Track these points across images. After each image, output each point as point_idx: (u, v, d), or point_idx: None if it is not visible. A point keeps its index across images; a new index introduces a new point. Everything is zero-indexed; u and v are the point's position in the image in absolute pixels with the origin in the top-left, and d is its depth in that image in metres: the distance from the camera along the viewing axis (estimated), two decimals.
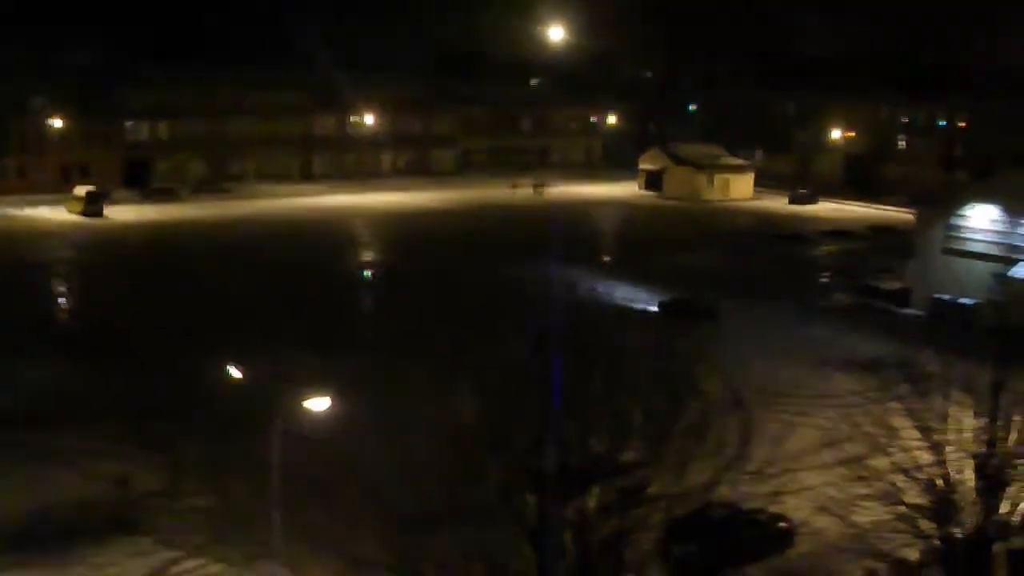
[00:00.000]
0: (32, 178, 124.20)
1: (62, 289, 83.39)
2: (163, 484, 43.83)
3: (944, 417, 33.86)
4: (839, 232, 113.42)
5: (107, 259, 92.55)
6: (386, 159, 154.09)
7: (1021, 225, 74.89)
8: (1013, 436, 32.56)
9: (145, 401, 53.15)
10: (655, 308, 73.38)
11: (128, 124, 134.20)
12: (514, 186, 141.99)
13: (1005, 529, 33.15)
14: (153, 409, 51.86)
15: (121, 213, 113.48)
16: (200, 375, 52.74)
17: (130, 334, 66.12)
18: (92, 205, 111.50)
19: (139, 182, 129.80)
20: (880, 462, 35.92)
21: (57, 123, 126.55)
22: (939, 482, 32.70)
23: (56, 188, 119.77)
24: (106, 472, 44.07)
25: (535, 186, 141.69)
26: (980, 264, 75.84)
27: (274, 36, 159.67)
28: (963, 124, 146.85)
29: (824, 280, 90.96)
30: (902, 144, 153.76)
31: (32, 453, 46.11)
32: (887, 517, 34.17)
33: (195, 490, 43.25)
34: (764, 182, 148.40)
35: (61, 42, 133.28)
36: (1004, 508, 32.68)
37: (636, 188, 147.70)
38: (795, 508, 42.46)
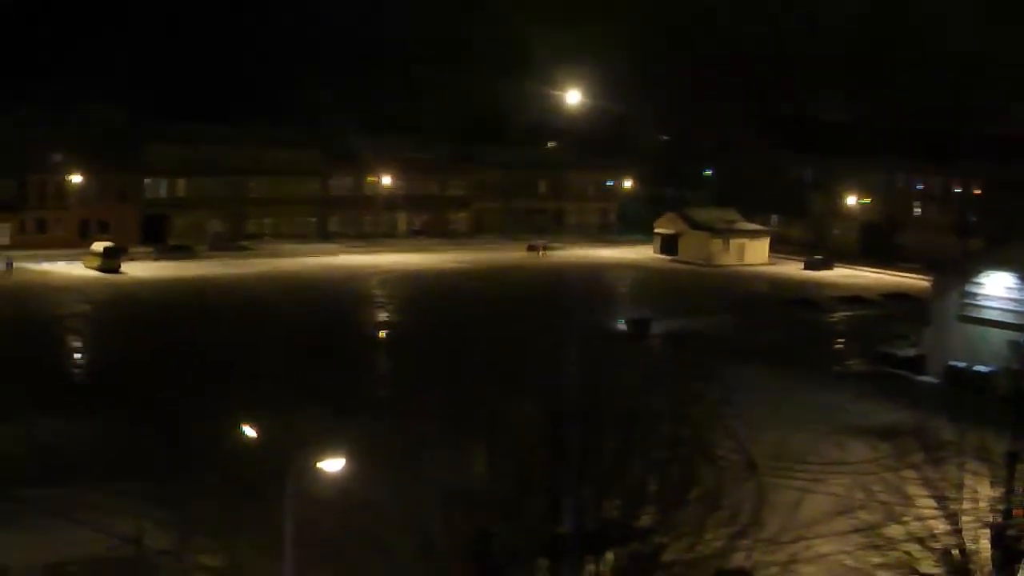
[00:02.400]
0: (51, 233, 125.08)
1: (77, 344, 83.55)
2: (174, 542, 43.67)
3: (960, 486, 33.72)
4: (854, 298, 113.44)
5: (123, 314, 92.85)
6: (402, 219, 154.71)
7: None
8: None
9: (157, 458, 53.07)
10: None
11: (147, 181, 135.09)
12: (530, 248, 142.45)
13: None
14: (166, 466, 51.77)
15: (138, 269, 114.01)
16: (214, 433, 52.65)
17: (145, 390, 66.16)
18: (109, 261, 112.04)
19: (157, 238, 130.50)
20: (895, 531, 35.75)
21: (76, 178, 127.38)
22: (955, 552, 32.52)
23: (74, 243, 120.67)
24: (119, 529, 43.96)
25: (541, 248, 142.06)
26: (996, 331, 75.56)
27: (293, 96, 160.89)
28: (978, 191, 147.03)
29: (839, 346, 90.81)
30: (917, 211, 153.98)
31: (45, 508, 46.05)
32: None
33: (206, 548, 43.09)
34: (779, 247, 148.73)
35: (81, 97, 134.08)
36: None
37: (651, 252, 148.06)
38: None
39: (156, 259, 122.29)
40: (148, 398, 64.32)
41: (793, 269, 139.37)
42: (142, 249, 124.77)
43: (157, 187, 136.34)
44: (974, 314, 77.81)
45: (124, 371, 71.76)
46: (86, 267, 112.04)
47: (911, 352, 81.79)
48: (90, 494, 48.18)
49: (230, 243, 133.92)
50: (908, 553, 33.42)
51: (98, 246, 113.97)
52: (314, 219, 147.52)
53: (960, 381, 73.95)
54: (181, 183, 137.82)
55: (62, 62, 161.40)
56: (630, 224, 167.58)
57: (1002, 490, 32.79)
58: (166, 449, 54.50)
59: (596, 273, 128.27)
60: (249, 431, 41.43)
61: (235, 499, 46.01)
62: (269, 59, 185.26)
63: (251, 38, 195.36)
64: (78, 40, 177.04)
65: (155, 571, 41.62)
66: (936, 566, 32.67)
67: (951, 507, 33.08)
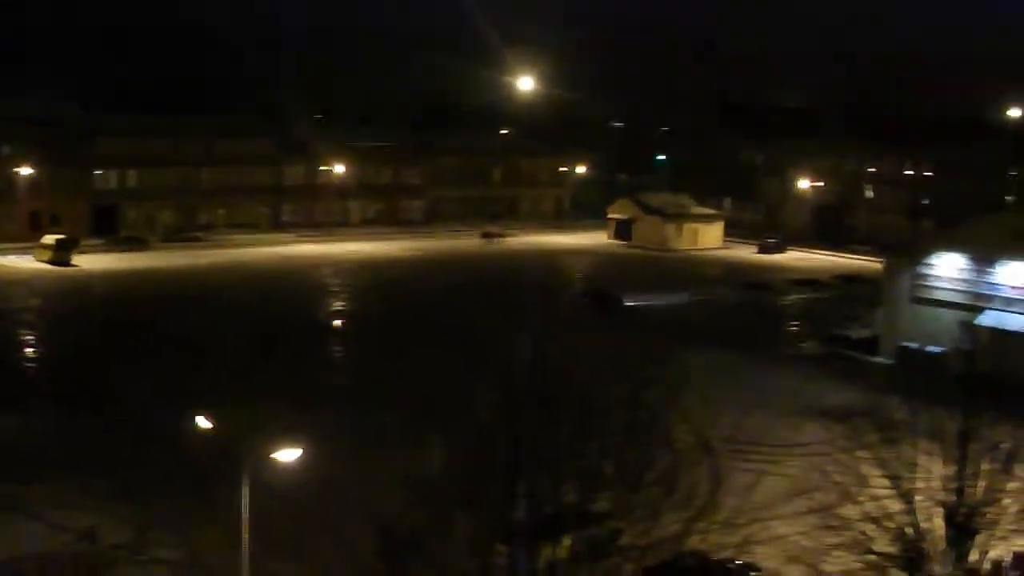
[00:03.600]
0: (0, 227, 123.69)
1: (29, 337, 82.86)
2: (130, 536, 43.44)
3: (913, 465, 33.94)
4: (807, 281, 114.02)
5: (75, 307, 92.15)
6: (355, 208, 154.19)
7: (987, 273, 75.45)
8: (982, 484, 32.66)
9: (113, 452, 52.78)
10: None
11: (97, 172, 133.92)
12: (484, 236, 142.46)
13: None
14: (121, 460, 51.50)
15: (90, 261, 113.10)
16: (170, 425, 52.39)
17: (98, 383, 65.71)
18: (61, 253, 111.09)
19: (108, 230, 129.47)
20: (850, 511, 36.00)
21: (26, 171, 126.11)
22: (909, 531, 32.73)
23: (25, 236, 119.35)
24: (73, 524, 43.67)
25: (496, 236, 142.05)
26: (947, 312, 76.24)
27: (245, 86, 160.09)
28: (929, 173, 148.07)
29: (792, 329, 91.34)
30: (869, 193, 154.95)
31: None
32: (857, 566, 34.17)
33: (162, 542, 42.91)
34: (733, 231, 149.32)
35: (30, 89, 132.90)
36: (973, 556, 32.72)
37: (605, 238, 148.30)
38: (766, 557, 42.41)
39: (108, 251, 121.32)
40: (102, 391, 63.89)
41: (747, 253, 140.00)
42: (94, 241, 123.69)
43: (108, 179, 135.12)
44: (926, 295, 78.41)
45: (77, 365, 71.25)
46: (37, 260, 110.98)
47: (864, 333, 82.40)
48: (45, 489, 47.82)
49: (182, 234, 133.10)
50: (863, 533, 33.62)
51: (49, 239, 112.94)
52: (267, 209, 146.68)
53: (912, 362, 74.51)
54: (132, 174, 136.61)
55: (9, 54, 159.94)
56: (585, 210, 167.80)
57: (954, 469, 33.01)
58: (121, 443, 54.19)
59: (551, 259, 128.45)
60: (204, 422, 41.21)
61: (191, 491, 45.88)
62: (219, 48, 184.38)
63: (200, 28, 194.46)
64: (25, 32, 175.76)
65: (111, 566, 41.38)
66: (891, 545, 32.89)
67: (905, 486, 33.30)
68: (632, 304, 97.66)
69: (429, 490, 30.23)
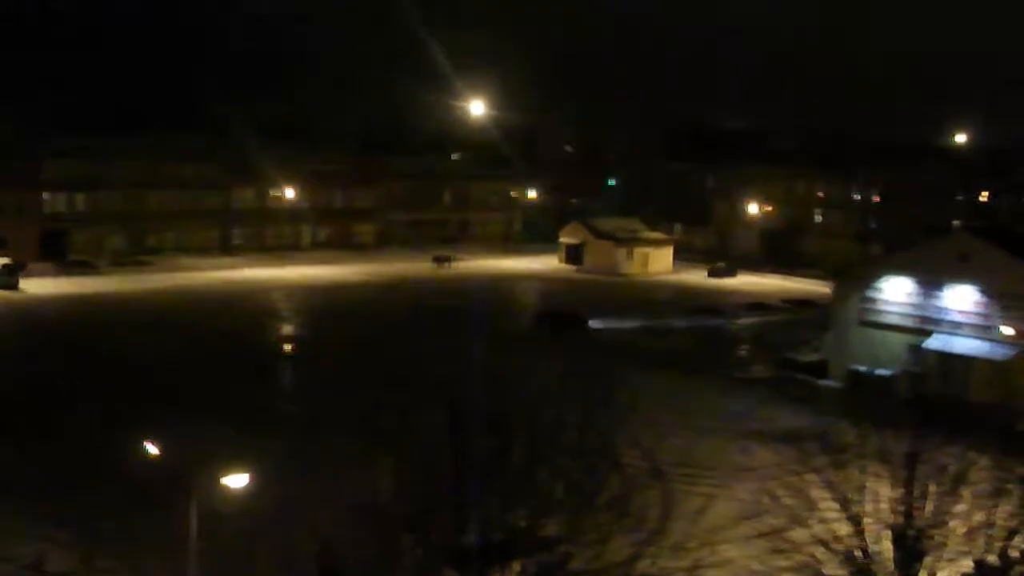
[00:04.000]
0: None
1: None
2: (76, 564, 42.90)
3: (862, 488, 34.09)
4: (757, 305, 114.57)
5: (21, 332, 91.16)
6: (306, 232, 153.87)
7: (935, 297, 76.01)
8: (929, 506, 32.83)
9: (60, 478, 52.12)
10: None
11: (45, 195, 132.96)
12: (435, 260, 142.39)
13: None
14: (68, 486, 50.89)
15: (37, 286, 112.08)
16: (116, 451, 51.86)
17: (45, 409, 64.96)
18: (7, 277, 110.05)
19: (56, 254, 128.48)
20: (799, 534, 36.03)
21: None
22: (858, 553, 32.86)
23: None
24: (19, 553, 43.09)
25: (447, 260, 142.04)
26: (896, 336, 76.87)
27: (194, 109, 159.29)
28: (877, 198, 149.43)
29: (742, 353, 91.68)
30: (819, 217, 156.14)
31: None
32: None
33: (110, 568, 42.40)
34: (683, 256, 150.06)
35: None
36: None
37: (556, 262, 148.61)
38: None
39: (56, 275, 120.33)
40: (47, 417, 63.16)
41: (697, 277, 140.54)
42: (41, 265, 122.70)
43: (55, 202, 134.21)
44: (874, 319, 78.88)
45: (22, 389, 70.39)
46: None
47: (814, 357, 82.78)
48: None
49: (131, 258, 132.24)
50: (813, 556, 33.72)
51: None
52: (217, 233, 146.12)
53: (862, 385, 74.95)
54: (80, 197, 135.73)
55: None
56: (535, 234, 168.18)
57: (902, 491, 33.18)
58: (67, 468, 53.56)
59: (502, 283, 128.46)
60: (151, 448, 40.83)
61: (138, 517, 45.39)
62: (166, 70, 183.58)
63: (147, 50, 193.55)
64: None
65: None
66: (840, 568, 33.00)
67: (854, 509, 33.44)
68: (595, 327, 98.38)
69: (378, 515, 30.07)
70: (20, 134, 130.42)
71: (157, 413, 60.37)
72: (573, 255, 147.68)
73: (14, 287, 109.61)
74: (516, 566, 30.19)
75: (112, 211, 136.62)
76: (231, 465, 35.40)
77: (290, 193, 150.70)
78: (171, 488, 38.28)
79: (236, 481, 34.71)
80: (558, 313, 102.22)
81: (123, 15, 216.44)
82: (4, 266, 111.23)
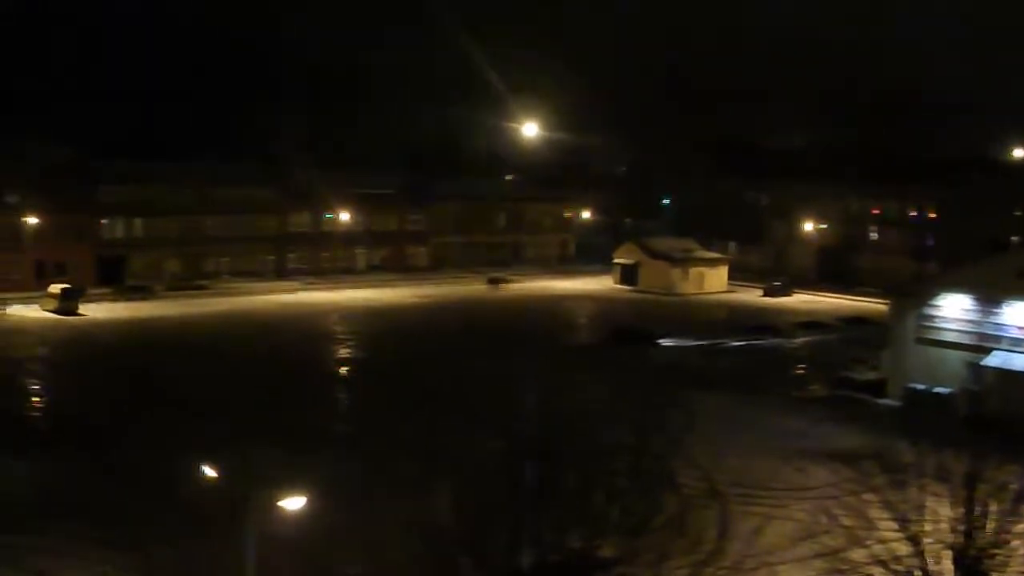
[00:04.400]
0: (6, 276, 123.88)
1: (35, 387, 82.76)
2: None
3: (921, 508, 33.83)
4: (813, 323, 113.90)
5: (81, 356, 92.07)
6: (360, 255, 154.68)
7: (993, 313, 75.27)
8: (990, 526, 32.52)
9: (119, 501, 52.53)
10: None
11: (103, 221, 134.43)
12: (490, 282, 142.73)
13: None
14: (124, 510, 51.24)
15: (96, 310, 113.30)
16: (175, 474, 52.25)
17: (104, 432, 65.59)
18: (66, 302, 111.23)
19: (114, 279, 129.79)
20: (858, 554, 35.83)
21: (31, 220, 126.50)
22: (917, 574, 32.60)
23: (31, 286, 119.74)
24: None
25: (501, 281, 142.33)
26: (954, 353, 76.13)
27: (250, 133, 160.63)
28: (933, 214, 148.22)
29: (799, 372, 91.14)
30: (874, 235, 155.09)
31: (1, 557, 45.43)
32: None
33: None
34: (738, 275, 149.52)
35: (34, 137, 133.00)
36: None
37: (611, 282, 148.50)
38: None
39: (114, 300, 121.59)
40: (108, 440, 63.75)
41: (752, 296, 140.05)
42: (100, 290, 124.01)
43: (113, 227, 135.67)
44: (932, 336, 78.22)
45: (83, 414, 71.08)
46: (43, 309, 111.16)
47: (871, 376, 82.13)
48: (47, 541, 47.54)
49: (188, 282, 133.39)
50: None
51: (55, 288, 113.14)
52: (272, 256, 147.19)
53: (919, 403, 74.26)
54: (138, 223, 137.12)
55: (12, 101, 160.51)
56: (590, 255, 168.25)
57: (962, 510, 32.88)
58: (126, 491, 53.96)
59: (557, 305, 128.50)
60: (209, 471, 41.08)
61: (196, 540, 45.64)
62: (220, 95, 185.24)
63: (201, 75, 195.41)
64: (20, 77, 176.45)
65: None
66: None
67: (913, 529, 33.17)
68: (665, 344, 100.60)
69: (435, 537, 30.13)
70: (78, 159, 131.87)
71: (215, 436, 60.80)
72: (628, 275, 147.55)
73: (74, 312, 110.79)
74: None
75: (169, 236, 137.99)
76: (287, 488, 35.54)
77: (344, 216, 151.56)
78: (228, 511, 38.46)
79: (293, 504, 34.83)
80: (631, 330, 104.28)
81: (178, 42, 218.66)
82: (63, 291, 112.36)
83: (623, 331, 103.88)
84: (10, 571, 43.97)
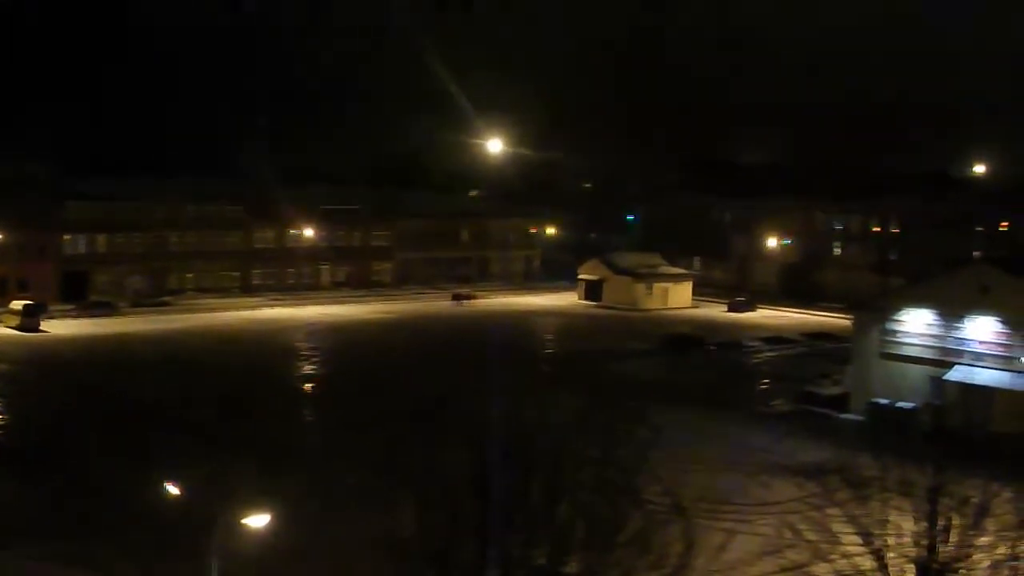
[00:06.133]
0: None
1: None
2: None
3: (884, 522, 33.97)
4: (777, 339, 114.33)
5: (43, 373, 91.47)
6: (325, 271, 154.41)
7: (955, 328, 75.75)
8: (953, 540, 32.68)
9: (81, 519, 52.18)
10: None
11: (66, 237, 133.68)
12: (454, 298, 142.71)
13: None
14: (89, 527, 50.91)
15: (59, 327, 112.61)
16: (137, 491, 51.94)
17: (66, 449, 65.18)
18: (29, 319, 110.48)
19: (77, 295, 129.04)
20: (822, 569, 35.96)
21: None
22: None
23: None
24: None
25: (466, 297, 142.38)
26: (917, 368, 76.58)
27: (213, 150, 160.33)
28: (896, 229, 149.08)
29: (763, 387, 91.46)
30: (837, 250, 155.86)
31: None
32: None
33: None
34: (702, 290, 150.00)
35: None
36: None
37: (576, 298, 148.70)
38: None
39: (77, 316, 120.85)
40: (69, 457, 63.34)
41: (717, 311, 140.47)
42: (62, 306, 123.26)
43: (76, 243, 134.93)
44: (895, 351, 78.66)
45: (45, 430, 70.64)
46: (5, 326, 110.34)
47: (834, 390, 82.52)
48: (11, 556, 47.21)
49: (152, 298, 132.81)
50: None
51: (17, 304, 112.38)
52: (237, 273, 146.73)
53: (883, 418, 74.58)
54: (101, 239, 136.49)
55: None
56: (555, 271, 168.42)
57: (925, 524, 33.03)
58: (88, 509, 53.62)
59: (521, 321, 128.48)
60: (172, 488, 40.89)
61: (160, 557, 45.38)
62: (187, 112, 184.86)
63: (169, 93, 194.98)
64: None
65: None
66: None
67: (876, 543, 33.31)
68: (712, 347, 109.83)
69: (400, 553, 30.06)
70: (41, 176, 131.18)
71: (177, 452, 60.52)
72: (593, 291, 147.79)
73: (36, 328, 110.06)
74: None
75: (133, 252, 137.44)
76: (252, 504, 35.40)
77: (309, 232, 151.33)
78: (191, 528, 38.28)
79: (257, 521, 34.69)
80: (682, 336, 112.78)
81: (142, 58, 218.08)
82: (25, 307, 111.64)
83: (686, 338, 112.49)
84: None
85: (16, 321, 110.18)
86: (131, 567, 45.66)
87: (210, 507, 36.57)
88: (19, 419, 76.94)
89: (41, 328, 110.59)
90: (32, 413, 77.64)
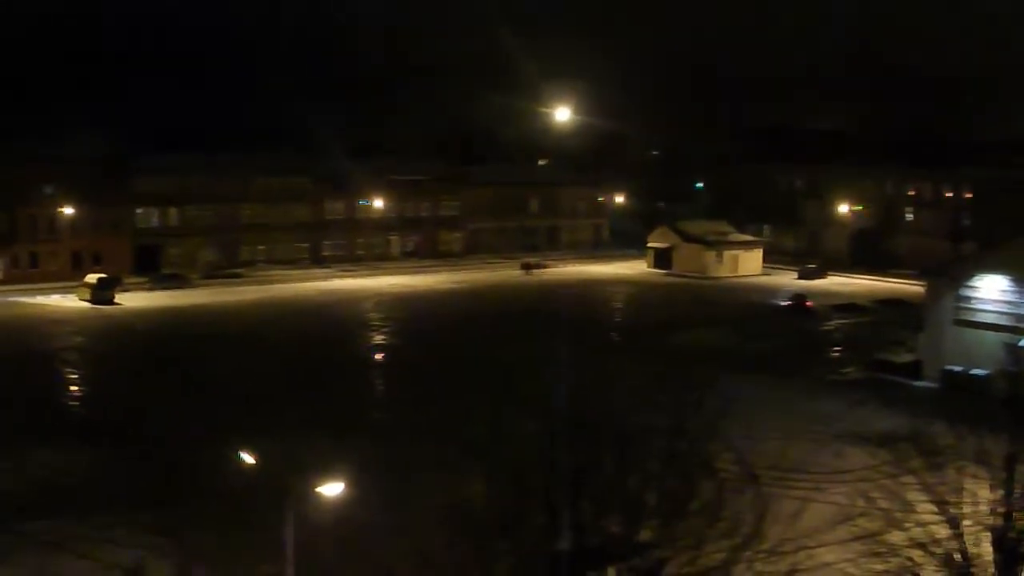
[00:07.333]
0: (44, 266, 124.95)
1: (73, 376, 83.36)
2: (173, 573, 43.44)
3: (959, 490, 33.65)
4: (849, 306, 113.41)
5: (118, 346, 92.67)
6: (395, 242, 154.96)
7: None
8: None
9: (157, 488, 52.87)
10: None
11: (139, 211, 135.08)
12: (523, 267, 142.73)
13: None
14: (164, 496, 51.55)
15: (132, 300, 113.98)
16: (212, 460, 52.53)
17: (141, 420, 66.02)
18: (103, 292, 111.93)
19: (150, 268, 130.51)
20: (896, 537, 35.63)
21: (68, 211, 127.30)
22: (957, 556, 32.41)
23: (68, 276, 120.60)
24: (118, 561, 43.73)
25: (532, 266, 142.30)
26: (991, 334, 75.57)
27: (283, 121, 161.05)
28: (969, 195, 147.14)
29: (835, 354, 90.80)
30: (909, 216, 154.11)
31: (44, 541, 45.83)
32: None
33: None
34: (773, 257, 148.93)
35: (70, 129, 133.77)
36: None
37: (645, 266, 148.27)
38: None
39: (150, 289, 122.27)
40: (145, 428, 64.17)
41: (787, 279, 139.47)
42: (136, 279, 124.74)
43: (149, 217, 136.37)
44: (969, 318, 77.81)
45: (121, 402, 71.59)
46: (80, 299, 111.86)
47: (907, 358, 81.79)
48: (89, 526, 47.93)
49: (223, 271, 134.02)
50: (910, 559, 33.28)
51: (92, 278, 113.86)
52: (307, 244, 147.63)
53: (957, 385, 73.91)
54: (173, 212, 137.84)
55: (50, 95, 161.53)
56: (624, 239, 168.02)
57: (1001, 493, 32.68)
58: (164, 478, 54.29)
59: (592, 289, 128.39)
60: (247, 458, 41.28)
61: (235, 526, 45.85)
62: (255, 86, 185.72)
63: (237, 67, 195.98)
64: (65, 73, 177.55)
65: None
66: (938, 571, 32.57)
67: (951, 511, 33.00)
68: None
69: (472, 522, 30.18)
70: (114, 151, 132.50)
71: (252, 422, 61.10)
72: (662, 259, 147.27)
73: (110, 301, 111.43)
74: (610, 572, 30.18)
75: (204, 225, 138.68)
76: (326, 474, 35.68)
77: (379, 203, 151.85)
78: (266, 497, 38.63)
79: (331, 490, 34.99)
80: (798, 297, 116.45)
81: (214, 34, 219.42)
82: (99, 280, 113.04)
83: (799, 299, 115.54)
84: (54, 555, 44.40)
85: (91, 294, 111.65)
86: (205, 535, 46.21)
87: (284, 476, 36.89)
88: (95, 391, 78.07)
89: (115, 301, 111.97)
90: (107, 385, 78.71)
